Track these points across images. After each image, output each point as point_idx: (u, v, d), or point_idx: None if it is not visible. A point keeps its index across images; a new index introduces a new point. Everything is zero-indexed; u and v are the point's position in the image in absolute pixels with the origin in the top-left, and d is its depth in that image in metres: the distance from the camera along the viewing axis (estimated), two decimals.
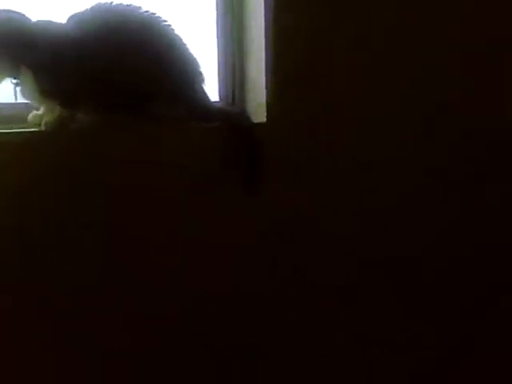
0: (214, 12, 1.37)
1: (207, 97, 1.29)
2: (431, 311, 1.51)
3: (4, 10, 1.12)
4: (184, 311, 1.29)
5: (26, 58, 1.10)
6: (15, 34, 1.09)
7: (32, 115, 1.20)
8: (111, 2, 1.19)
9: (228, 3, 1.36)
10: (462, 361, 1.55)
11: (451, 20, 1.41)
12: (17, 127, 1.18)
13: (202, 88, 1.28)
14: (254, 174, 1.24)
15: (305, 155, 1.32)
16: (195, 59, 1.26)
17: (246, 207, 1.28)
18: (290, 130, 1.30)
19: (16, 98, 1.15)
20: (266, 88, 1.26)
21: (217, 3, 1.36)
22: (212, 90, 1.35)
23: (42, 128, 1.16)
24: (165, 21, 1.23)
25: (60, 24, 1.16)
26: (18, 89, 1.14)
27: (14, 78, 1.13)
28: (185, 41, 1.24)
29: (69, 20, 1.16)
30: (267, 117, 1.27)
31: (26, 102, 1.18)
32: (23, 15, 1.12)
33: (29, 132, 1.16)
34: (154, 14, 1.22)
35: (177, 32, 1.24)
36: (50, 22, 1.16)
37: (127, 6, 1.20)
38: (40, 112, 1.19)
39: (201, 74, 1.27)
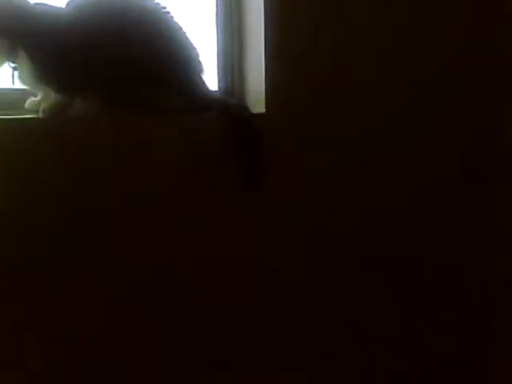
0: (214, 2, 1.36)
1: (206, 87, 1.28)
2: (431, 310, 1.51)
3: None
4: (182, 308, 1.28)
5: (23, 42, 1.10)
6: (13, 17, 1.08)
7: (29, 101, 1.19)
8: None
9: None
10: (463, 360, 1.56)
11: (451, 21, 1.41)
12: (14, 113, 1.17)
13: (201, 78, 1.27)
14: (253, 166, 1.23)
15: (304, 146, 1.32)
16: (195, 48, 1.26)
17: (245, 200, 1.27)
18: (289, 121, 1.29)
19: (13, 83, 1.14)
20: (265, 78, 1.26)
21: None
22: (211, 80, 1.35)
23: (40, 114, 1.15)
24: (164, 8, 1.22)
25: (58, 8, 1.15)
26: (16, 73, 1.13)
27: (12, 62, 1.12)
28: (184, 30, 1.24)
29: (67, 5, 1.15)
30: (266, 107, 1.27)
31: (23, 88, 1.17)
32: None
33: (26, 118, 1.16)
34: (154, 1, 1.21)
35: (177, 20, 1.23)
36: (49, 5, 1.15)
37: None
38: (37, 98, 1.19)
39: (200, 63, 1.26)
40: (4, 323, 1.15)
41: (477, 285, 1.54)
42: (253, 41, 1.31)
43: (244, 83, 1.37)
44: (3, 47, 1.09)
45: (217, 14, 1.36)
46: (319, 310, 1.40)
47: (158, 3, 1.22)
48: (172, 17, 1.23)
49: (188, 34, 1.24)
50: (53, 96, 1.15)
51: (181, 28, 1.24)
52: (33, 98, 1.19)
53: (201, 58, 1.27)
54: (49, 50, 1.11)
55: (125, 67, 1.16)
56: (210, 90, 1.30)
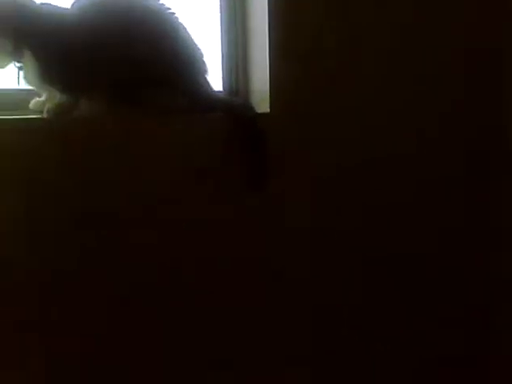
0: (218, 2, 1.37)
1: (211, 87, 1.28)
2: (434, 307, 1.52)
3: None
4: (186, 307, 1.28)
5: (28, 42, 1.09)
6: (18, 17, 1.08)
7: (34, 102, 1.19)
8: None
9: None
10: (466, 357, 1.56)
11: (454, 18, 1.42)
12: (19, 114, 1.16)
13: (205, 78, 1.27)
14: (258, 166, 1.23)
15: (308, 146, 1.32)
16: (199, 49, 1.26)
17: (250, 200, 1.27)
18: (294, 121, 1.30)
19: (19, 83, 1.14)
20: (270, 78, 1.26)
21: None
22: (216, 80, 1.35)
23: (44, 115, 1.15)
24: (169, 9, 1.22)
25: (64, 9, 1.15)
26: (21, 73, 1.13)
27: (18, 62, 1.11)
28: (188, 30, 1.24)
29: (73, 5, 1.15)
30: (271, 107, 1.27)
31: (28, 88, 1.17)
32: None
33: (31, 119, 1.15)
34: (159, 2, 1.22)
35: (181, 21, 1.23)
36: (54, 6, 1.15)
37: None
38: (42, 99, 1.18)
39: (204, 64, 1.27)
40: (7, 323, 1.14)
41: (480, 282, 1.54)
42: (257, 41, 1.32)
43: (248, 83, 1.38)
44: (8, 47, 1.08)
45: (221, 14, 1.36)
46: (323, 309, 1.40)
47: (162, 4, 1.22)
48: (176, 17, 1.23)
49: (192, 35, 1.24)
50: (57, 96, 1.15)
51: (185, 29, 1.24)
52: (37, 99, 1.19)
53: (205, 59, 1.27)
54: (54, 50, 1.11)
55: (129, 67, 1.16)
56: (215, 91, 1.31)
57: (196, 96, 1.24)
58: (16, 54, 1.10)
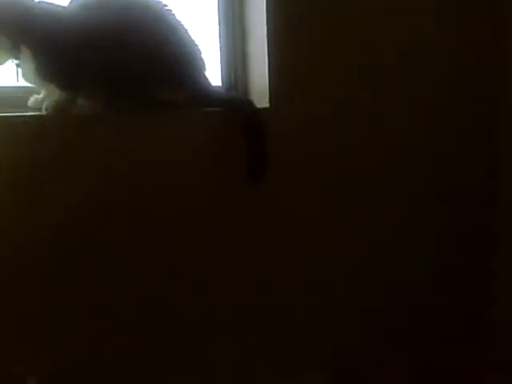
0: None
1: (209, 83, 1.28)
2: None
3: None
4: (189, 300, 1.28)
5: (26, 39, 1.09)
6: (17, 14, 1.08)
7: (32, 99, 1.18)
8: None
9: None
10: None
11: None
12: (17, 111, 1.16)
13: (203, 74, 1.27)
14: (257, 160, 1.22)
15: (307, 140, 1.32)
16: (197, 46, 1.26)
17: (250, 196, 1.27)
18: (293, 115, 1.30)
19: (18, 80, 1.13)
20: (269, 73, 1.26)
21: None
22: (214, 75, 1.35)
23: (43, 112, 1.14)
24: (166, 6, 1.22)
25: (62, 6, 1.15)
26: (20, 71, 1.12)
27: (16, 59, 1.11)
28: (185, 26, 1.23)
29: (71, 3, 1.15)
30: (270, 102, 1.27)
31: (26, 85, 1.17)
32: None
33: (29, 116, 1.14)
34: None
35: (178, 17, 1.23)
36: (52, 4, 1.14)
37: None
38: (41, 96, 1.18)
39: (202, 60, 1.26)
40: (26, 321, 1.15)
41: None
42: (256, 36, 1.32)
43: (247, 78, 1.38)
44: (7, 44, 1.08)
45: (219, 9, 1.36)
46: (324, 302, 1.41)
47: (159, 1, 1.22)
48: (174, 14, 1.23)
49: (190, 31, 1.24)
50: (56, 93, 1.14)
51: (182, 25, 1.23)
52: (36, 96, 1.18)
53: (203, 55, 1.26)
54: (52, 47, 1.10)
55: (127, 64, 1.15)
56: (213, 86, 1.30)
57: (195, 91, 1.24)
58: (14, 51, 1.09)
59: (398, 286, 1.49)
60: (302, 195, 1.34)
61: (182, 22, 1.23)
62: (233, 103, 1.26)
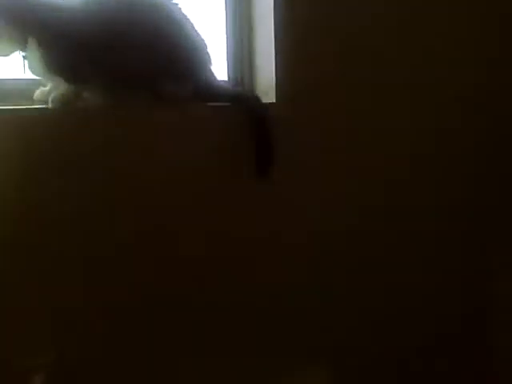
0: None
1: (215, 78, 1.28)
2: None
3: None
4: (194, 297, 1.28)
5: (33, 30, 1.08)
6: (25, 4, 1.08)
7: (39, 92, 1.18)
8: None
9: None
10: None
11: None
12: (23, 104, 1.16)
13: (209, 69, 1.27)
14: (264, 154, 1.22)
15: (314, 135, 1.32)
16: (202, 40, 1.25)
17: (257, 190, 1.27)
18: (299, 111, 1.29)
19: (24, 72, 1.13)
20: (275, 68, 1.26)
21: None
22: (221, 70, 1.35)
23: (49, 105, 1.14)
24: (173, 0, 1.22)
25: None
26: (26, 62, 1.12)
27: (23, 51, 1.11)
28: (192, 21, 1.23)
29: None
30: (276, 97, 1.27)
31: (32, 78, 1.16)
32: None
33: (34, 109, 1.14)
34: None
35: (185, 12, 1.23)
36: None
37: None
38: (47, 88, 1.18)
39: (208, 54, 1.26)
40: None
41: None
42: (262, 31, 1.31)
43: (254, 73, 1.37)
44: (14, 35, 1.07)
45: (226, 3, 1.36)
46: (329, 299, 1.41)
47: None
48: (180, 9, 1.23)
49: (196, 26, 1.24)
50: (62, 86, 1.14)
51: (189, 20, 1.23)
52: (42, 89, 1.18)
53: (209, 50, 1.26)
54: (59, 39, 1.10)
55: (134, 58, 1.15)
56: (219, 81, 1.30)
57: (201, 86, 1.24)
58: (21, 43, 1.09)
59: (398, 285, 1.49)
60: (307, 190, 1.34)
61: (189, 17, 1.23)
62: (239, 98, 1.26)
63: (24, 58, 1.12)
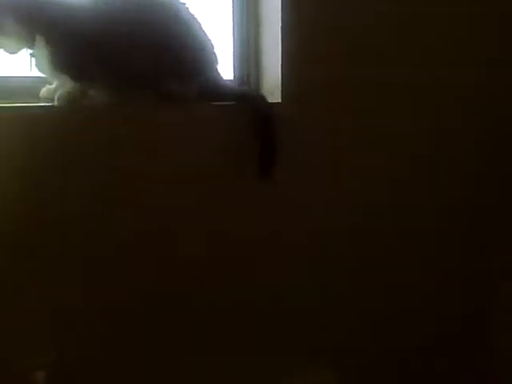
0: None
1: (221, 77, 1.28)
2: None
3: None
4: (195, 297, 1.28)
5: (41, 28, 1.08)
6: (34, 2, 1.08)
7: (45, 89, 1.18)
8: None
9: None
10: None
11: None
12: (29, 101, 1.15)
13: (216, 69, 1.27)
14: (269, 154, 1.22)
15: (320, 135, 1.32)
16: (209, 40, 1.26)
17: (260, 190, 1.27)
18: (306, 110, 1.30)
19: (31, 69, 1.13)
20: (282, 68, 1.26)
21: None
22: (227, 69, 1.35)
23: (55, 103, 1.14)
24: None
25: None
26: (33, 60, 1.12)
27: (30, 49, 1.11)
28: (199, 20, 1.23)
29: None
30: (282, 96, 1.27)
31: (38, 76, 1.16)
32: None
33: (40, 107, 1.14)
34: None
35: (191, 11, 1.23)
36: None
37: None
38: (53, 86, 1.17)
39: (214, 53, 1.26)
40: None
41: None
42: (269, 30, 1.32)
43: (260, 72, 1.38)
44: (22, 33, 1.07)
45: (233, 3, 1.36)
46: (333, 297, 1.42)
47: None
48: (187, 8, 1.23)
49: (203, 25, 1.24)
50: (68, 84, 1.14)
51: (196, 19, 1.23)
52: (48, 86, 1.18)
53: (215, 50, 1.26)
54: (66, 37, 1.10)
55: (141, 56, 1.15)
56: (225, 80, 1.30)
57: (207, 85, 1.24)
58: (29, 41, 1.09)
59: (398, 285, 1.50)
60: (311, 190, 1.34)
61: (196, 16, 1.23)
62: (245, 97, 1.26)
63: (31, 55, 1.12)
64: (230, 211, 1.28)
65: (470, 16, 1.46)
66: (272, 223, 1.32)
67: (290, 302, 1.37)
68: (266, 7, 1.33)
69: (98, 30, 1.12)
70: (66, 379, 1.17)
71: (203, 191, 1.24)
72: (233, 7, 1.37)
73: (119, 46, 1.14)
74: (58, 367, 1.15)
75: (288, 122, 1.24)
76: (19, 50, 1.10)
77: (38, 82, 1.18)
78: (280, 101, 1.27)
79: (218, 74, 1.27)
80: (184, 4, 1.22)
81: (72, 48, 1.11)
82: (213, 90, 1.25)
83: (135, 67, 1.16)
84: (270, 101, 1.25)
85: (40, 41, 1.09)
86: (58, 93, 1.14)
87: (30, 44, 1.10)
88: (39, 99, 1.17)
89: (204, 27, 1.24)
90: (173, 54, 1.19)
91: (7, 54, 1.11)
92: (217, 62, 1.27)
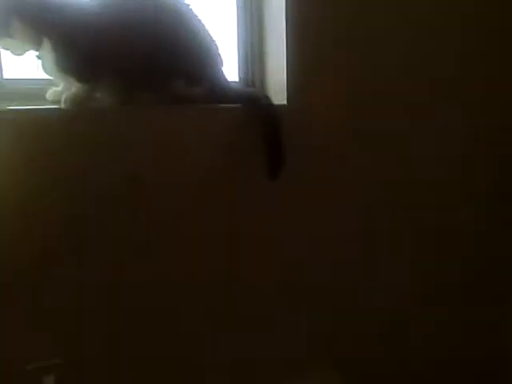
0: None
1: (226, 79, 1.29)
2: None
3: None
4: (206, 296, 1.28)
5: (48, 30, 1.08)
6: (41, 5, 1.08)
7: (51, 92, 1.18)
8: None
9: None
10: None
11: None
12: (35, 104, 1.15)
13: (221, 70, 1.28)
14: (274, 156, 1.23)
15: (325, 137, 1.33)
16: (214, 42, 1.26)
17: (265, 191, 1.28)
18: (310, 112, 1.30)
19: (38, 71, 1.13)
20: (287, 70, 1.26)
21: None
22: (232, 71, 1.35)
23: (61, 105, 1.14)
24: (184, 1, 1.22)
25: (83, 0, 1.14)
26: (40, 62, 1.12)
27: (36, 51, 1.11)
28: (204, 22, 1.24)
29: None
30: (287, 99, 1.27)
31: (45, 78, 1.16)
32: None
33: (47, 109, 1.14)
34: None
35: (196, 13, 1.23)
36: None
37: None
38: (59, 88, 1.18)
39: (219, 55, 1.27)
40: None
41: None
42: (274, 32, 1.32)
43: (265, 75, 1.38)
44: (28, 35, 1.07)
45: (237, 5, 1.37)
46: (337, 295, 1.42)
47: None
48: (192, 10, 1.23)
49: (208, 27, 1.24)
50: (75, 86, 1.14)
51: (200, 21, 1.24)
52: (54, 89, 1.18)
53: (220, 52, 1.27)
54: (73, 40, 1.10)
55: (147, 58, 1.15)
56: (230, 82, 1.31)
57: (212, 87, 1.24)
58: (36, 43, 1.09)
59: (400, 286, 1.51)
60: (316, 192, 1.35)
61: (200, 18, 1.23)
62: (250, 99, 1.26)
63: (38, 57, 1.12)
64: (238, 212, 1.28)
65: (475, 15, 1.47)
66: (275, 224, 1.32)
67: (292, 302, 1.37)
68: (270, 8, 1.33)
69: (105, 33, 1.12)
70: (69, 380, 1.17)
71: (208, 191, 1.25)
72: (237, 9, 1.37)
73: (125, 48, 1.14)
74: (66, 371, 1.16)
75: (293, 124, 1.24)
76: (25, 51, 1.10)
77: (45, 84, 1.18)
78: (285, 103, 1.27)
79: (224, 75, 1.28)
80: (189, 6, 1.23)
81: (78, 50, 1.11)
82: (219, 91, 1.25)
83: (142, 69, 1.16)
84: (275, 103, 1.25)
85: (46, 43, 1.09)
86: (65, 95, 1.14)
87: (37, 46, 1.10)
88: (46, 101, 1.17)
89: (209, 29, 1.24)
90: (178, 55, 1.19)
91: (14, 56, 1.11)
92: (222, 64, 1.27)
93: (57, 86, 1.18)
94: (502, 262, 1.63)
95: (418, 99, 1.43)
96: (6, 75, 1.20)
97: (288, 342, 1.37)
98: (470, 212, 1.57)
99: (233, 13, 1.37)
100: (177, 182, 1.21)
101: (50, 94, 1.18)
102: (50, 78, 1.15)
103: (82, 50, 1.11)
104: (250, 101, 1.26)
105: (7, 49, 1.10)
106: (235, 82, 1.38)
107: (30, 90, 1.20)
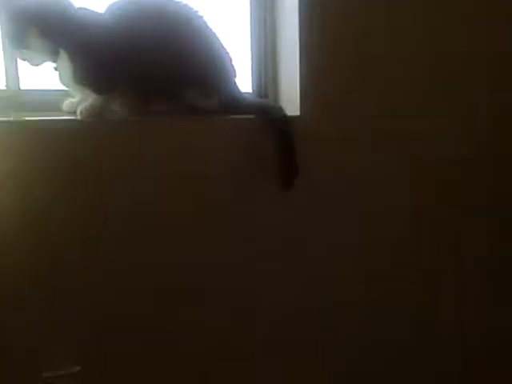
0: (248, 4, 1.39)
1: (239, 90, 1.30)
2: None
3: None
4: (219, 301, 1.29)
5: (65, 43, 1.10)
6: (58, 18, 1.09)
7: (67, 102, 1.19)
8: None
9: None
10: None
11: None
12: (51, 115, 1.17)
13: (234, 82, 1.29)
14: (288, 166, 1.23)
15: (337, 148, 1.33)
16: (227, 53, 1.27)
17: (279, 202, 1.28)
18: (324, 123, 1.31)
19: (54, 82, 1.14)
20: (300, 81, 1.27)
21: None
22: (245, 82, 1.36)
23: (77, 116, 1.15)
24: (199, 13, 1.24)
25: (99, 13, 1.16)
26: (56, 74, 1.13)
27: (53, 62, 1.12)
28: (217, 34, 1.25)
29: (107, 9, 1.16)
30: (300, 110, 1.28)
31: (60, 89, 1.17)
32: (68, 1, 1.12)
33: (63, 120, 1.15)
34: (188, 4, 1.23)
35: (210, 25, 1.24)
36: (91, 10, 1.15)
37: None
38: (75, 100, 1.19)
39: (233, 67, 1.28)
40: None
41: None
42: (287, 43, 1.33)
43: (278, 85, 1.39)
44: (46, 47, 1.09)
45: (251, 16, 1.38)
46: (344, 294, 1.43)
47: (192, 8, 1.23)
48: (206, 22, 1.24)
49: (222, 39, 1.25)
50: (91, 98, 1.15)
51: (214, 33, 1.25)
52: (71, 100, 1.19)
53: (233, 63, 1.28)
54: (89, 52, 1.12)
55: (162, 70, 1.16)
56: (244, 93, 1.32)
57: (226, 98, 1.26)
58: (53, 54, 1.11)
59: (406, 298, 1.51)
60: (330, 203, 1.35)
61: (214, 30, 1.24)
62: (263, 110, 1.27)
63: (55, 69, 1.13)
64: (252, 222, 1.28)
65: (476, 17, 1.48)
66: (289, 234, 1.32)
67: (308, 312, 1.38)
68: (283, 19, 1.34)
69: (121, 46, 1.13)
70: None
71: (221, 202, 1.25)
72: (250, 20, 1.38)
73: (141, 60, 1.15)
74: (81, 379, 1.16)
75: (306, 135, 1.25)
76: (42, 62, 1.12)
77: (61, 95, 1.20)
78: (298, 114, 1.28)
79: (237, 87, 1.29)
80: (202, 17, 1.24)
81: (95, 62, 1.12)
82: (232, 102, 1.26)
83: (157, 81, 1.17)
84: (288, 114, 1.26)
85: (63, 54, 1.10)
86: (81, 106, 1.15)
87: (54, 57, 1.11)
88: (62, 112, 1.18)
89: (223, 40, 1.25)
90: (193, 67, 1.20)
91: (30, 67, 1.12)
92: (235, 75, 1.29)
93: (73, 96, 1.19)
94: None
95: (430, 103, 1.44)
96: (22, 85, 1.21)
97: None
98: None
99: (246, 24, 1.38)
100: (191, 191, 1.22)
101: (66, 104, 1.19)
102: (67, 88, 1.17)
103: (98, 61, 1.12)
104: (264, 111, 1.26)
105: (24, 59, 1.11)
106: (248, 93, 1.39)
107: (47, 100, 1.21)
